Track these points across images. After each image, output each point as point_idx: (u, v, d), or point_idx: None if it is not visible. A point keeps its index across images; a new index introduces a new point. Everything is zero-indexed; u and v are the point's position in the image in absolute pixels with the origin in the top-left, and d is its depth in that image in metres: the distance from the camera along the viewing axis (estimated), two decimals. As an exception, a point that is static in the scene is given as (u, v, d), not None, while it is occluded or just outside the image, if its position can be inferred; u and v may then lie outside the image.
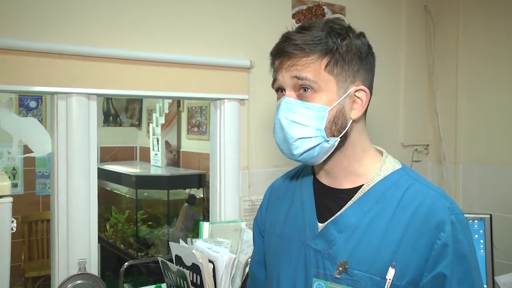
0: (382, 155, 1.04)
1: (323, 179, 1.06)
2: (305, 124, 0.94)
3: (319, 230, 1.00)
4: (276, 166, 2.11)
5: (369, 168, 1.01)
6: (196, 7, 1.92)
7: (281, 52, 0.97)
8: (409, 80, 2.54)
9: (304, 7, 2.16)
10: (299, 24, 2.13)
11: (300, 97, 0.96)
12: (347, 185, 1.01)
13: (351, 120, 0.97)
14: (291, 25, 2.13)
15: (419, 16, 2.57)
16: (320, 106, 0.94)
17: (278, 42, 0.99)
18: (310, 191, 1.07)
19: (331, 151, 0.98)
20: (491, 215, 1.97)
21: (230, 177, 1.99)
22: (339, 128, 0.96)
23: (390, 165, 1.01)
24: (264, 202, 1.22)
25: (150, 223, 3.48)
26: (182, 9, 1.89)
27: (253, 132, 2.06)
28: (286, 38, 0.97)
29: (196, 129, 3.56)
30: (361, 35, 0.99)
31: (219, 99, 1.98)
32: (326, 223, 1.00)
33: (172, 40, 1.87)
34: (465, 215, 1.93)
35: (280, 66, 0.97)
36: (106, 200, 3.87)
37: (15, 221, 1.27)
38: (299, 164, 1.21)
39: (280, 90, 1.00)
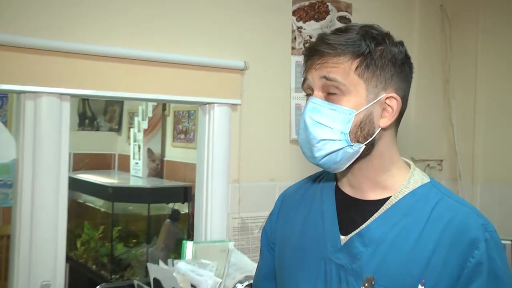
0: (410, 168, 1.09)
1: (346, 188, 1.10)
2: (330, 126, 1.01)
3: (342, 244, 1.05)
4: (271, 180, 2.12)
5: (396, 180, 1.05)
6: (184, 0, 1.93)
7: (313, 51, 1.04)
8: (421, 88, 2.55)
9: (306, 3, 2.18)
10: (300, 22, 2.16)
11: (328, 99, 1.02)
12: (372, 196, 1.06)
13: (380, 129, 1.03)
14: (291, 23, 2.15)
15: (433, 16, 2.59)
16: (346, 109, 1.00)
17: (311, 42, 1.08)
18: (332, 201, 1.11)
19: (355, 158, 1.03)
20: (512, 241, 1.97)
21: (218, 191, 2.00)
22: (365, 135, 1.02)
23: (418, 178, 1.06)
24: (274, 211, 1.26)
25: (131, 241, 3.46)
26: (169, 3, 1.90)
27: (246, 141, 2.07)
28: (320, 38, 1.04)
29: (182, 136, 3.57)
30: (400, 43, 1.07)
31: (208, 103, 1.99)
32: (350, 236, 1.04)
33: (157, 37, 1.87)
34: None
35: (310, 65, 1.05)
36: (78, 214, 3.85)
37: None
38: (304, 178, 1.25)
39: (309, 90, 1.07)
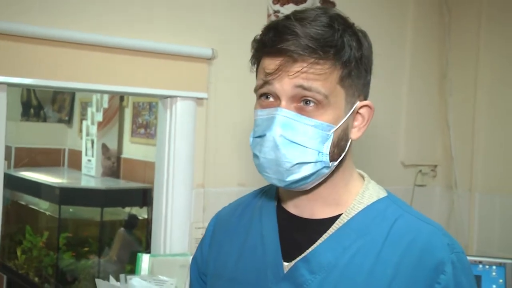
0: (364, 180, 1.09)
1: (291, 207, 1.08)
2: (306, 145, 0.96)
3: (285, 272, 1.02)
4: (241, 185, 2.13)
5: (351, 194, 1.05)
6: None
7: (282, 52, 0.95)
8: (414, 84, 2.57)
9: (285, -17, 2.19)
10: (277, 5, 2.16)
11: (300, 110, 0.96)
12: (322, 214, 1.04)
13: (350, 141, 1.02)
14: (267, 6, 2.16)
15: (430, 3, 2.61)
16: (326, 124, 0.96)
17: (272, 34, 0.96)
18: (273, 222, 1.09)
19: (325, 177, 1.01)
20: (514, 259, 2.01)
21: (180, 197, 2.01)
22: (339, 151, 1.00)
23: (373, 191, 1.06)
24: (206, 236, 1.22)
25: (80, 250, 3.45)
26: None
27: (213, 140, 2.08)
28: (285, 29, 0.94)
29: (142, 130, 3.57)
30: (364, 34, 1.02)
31: (169, 96, 1.99)
32: (294, 261, 1.02)
33: (111, 20, 1.86)
34: (482, 259, 1.97)
35: (280, 69, 0.95)
36: (19, 217, 3.83)
37: None
38: (243, 196, 1.23)
39: (265, 96, 0.99)
